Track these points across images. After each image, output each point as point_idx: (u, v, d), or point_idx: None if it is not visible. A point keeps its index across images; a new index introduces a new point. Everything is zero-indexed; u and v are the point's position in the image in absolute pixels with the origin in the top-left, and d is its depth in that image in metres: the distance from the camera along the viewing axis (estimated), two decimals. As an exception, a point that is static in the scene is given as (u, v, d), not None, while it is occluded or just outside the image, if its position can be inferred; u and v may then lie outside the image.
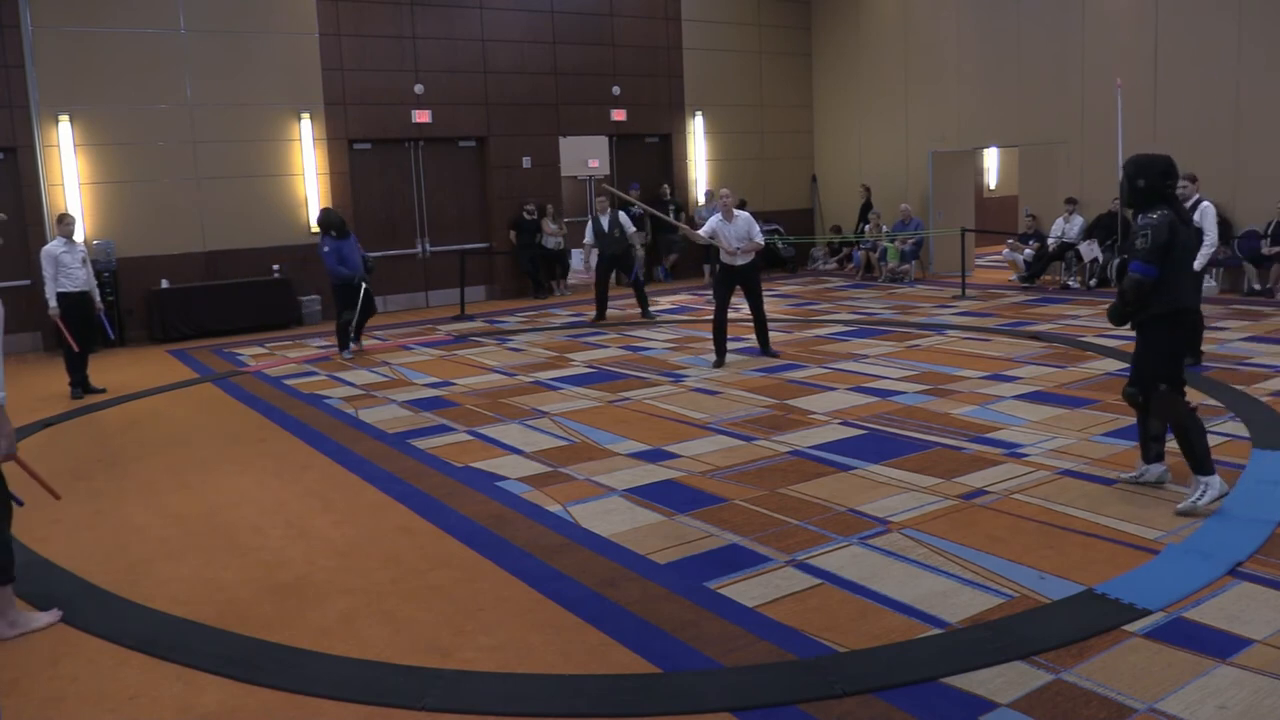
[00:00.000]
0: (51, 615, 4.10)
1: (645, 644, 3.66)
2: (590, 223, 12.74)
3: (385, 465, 6.28)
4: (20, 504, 4.11)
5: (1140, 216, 4.77)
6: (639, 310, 12.45)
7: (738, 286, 9.10)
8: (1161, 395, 4.81)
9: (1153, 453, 5.09)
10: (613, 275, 12.76)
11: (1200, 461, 4.69)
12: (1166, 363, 4.84)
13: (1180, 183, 7.84)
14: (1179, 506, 4.71)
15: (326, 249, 10.26)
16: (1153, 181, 4.77)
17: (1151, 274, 4.67)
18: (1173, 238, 4.67)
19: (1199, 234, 5.36)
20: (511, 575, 4.38)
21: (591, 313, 12.67)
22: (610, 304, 12.72)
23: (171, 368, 10.65)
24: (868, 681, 3.30)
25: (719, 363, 8.98)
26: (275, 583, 4.46)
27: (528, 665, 3.56)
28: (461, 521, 5.13)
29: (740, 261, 8.98)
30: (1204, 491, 4.66)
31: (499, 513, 5.22)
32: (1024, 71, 14.66)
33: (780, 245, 16.52)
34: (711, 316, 9.25)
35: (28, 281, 11.67)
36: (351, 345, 10.59)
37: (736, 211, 9.02)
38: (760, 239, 9.05)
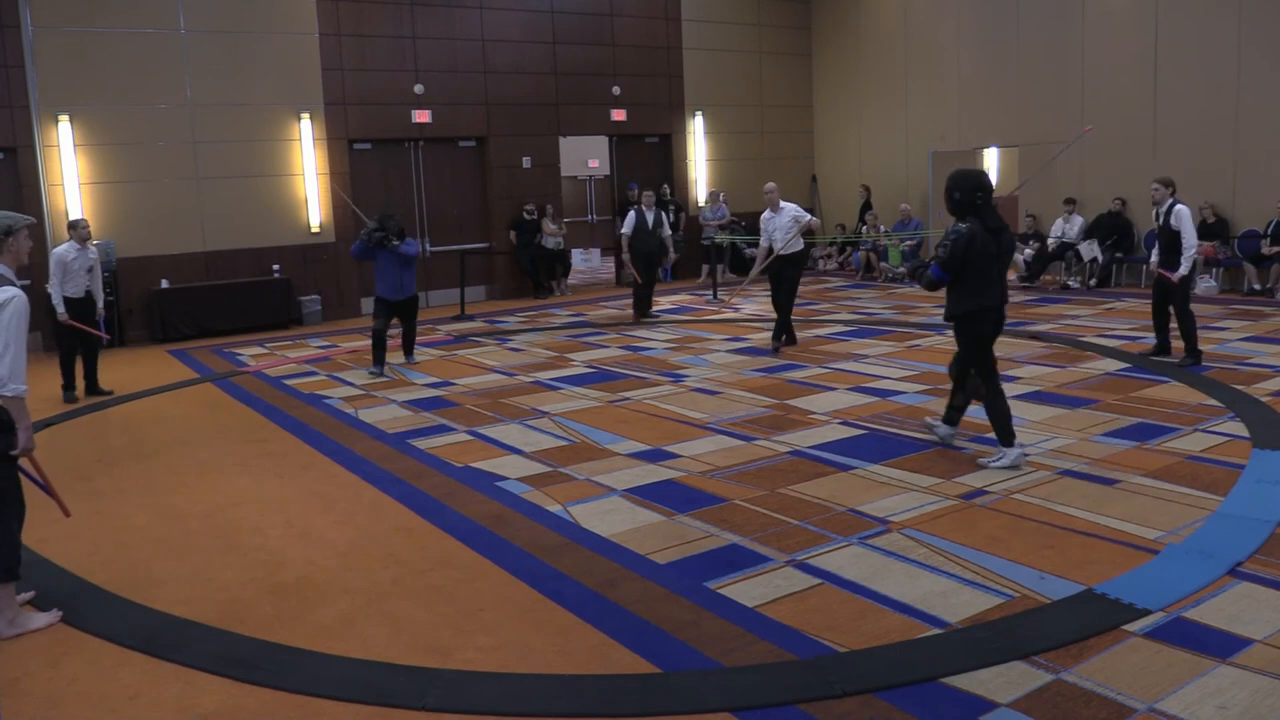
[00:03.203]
0: (51, 615, 4.10)
1: (645, 644, 3.66)
2: (634, 214, 12.11)
3: (385, 465, 6.28)
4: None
5: (952, 225, 5.53)
6: (635, 308, 12.29)
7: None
8: (972, 379, 5.72)
9: (950, 418, 5.99)
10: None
11: (1001, 434, 5.58)
12: (972, 352, 5.65)
13: (1153, 186, 8.19)
14: (978, 461, 5.63)
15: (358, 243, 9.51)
16: (966, 195, 5.47)
17: (945, 279, 5.51)
18: (971, 248, 5.39)
19: (1010, 242, 5.57)
20: (511, 575, 4.38)
21: (613, 310, 12.35)
22: (610, 304, 12.70)
23: (171, 368, 10.65)
24: (868, 681, 3.30)
25: (789, 343, 9.71)
26: (275, 583, 4.46)
27: (528, 665, 3.56)
28: (461, 521, 5.13)
29: (790, 251, 9.56)
30: (1002, 457, 5.54)
31: (499, 513, 5.22)
32: (1024, 71, 14.66)
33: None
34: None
35: (27, 282, 11.66)
36: (385, 366, 9.41)
37: (783, 204, 9.67)
38: (807, 216, 9.75)
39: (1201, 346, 8.20)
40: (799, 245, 9.67)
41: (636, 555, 4.51)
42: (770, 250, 9.68)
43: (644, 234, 12.10)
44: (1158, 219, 8.21)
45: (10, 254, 4.05)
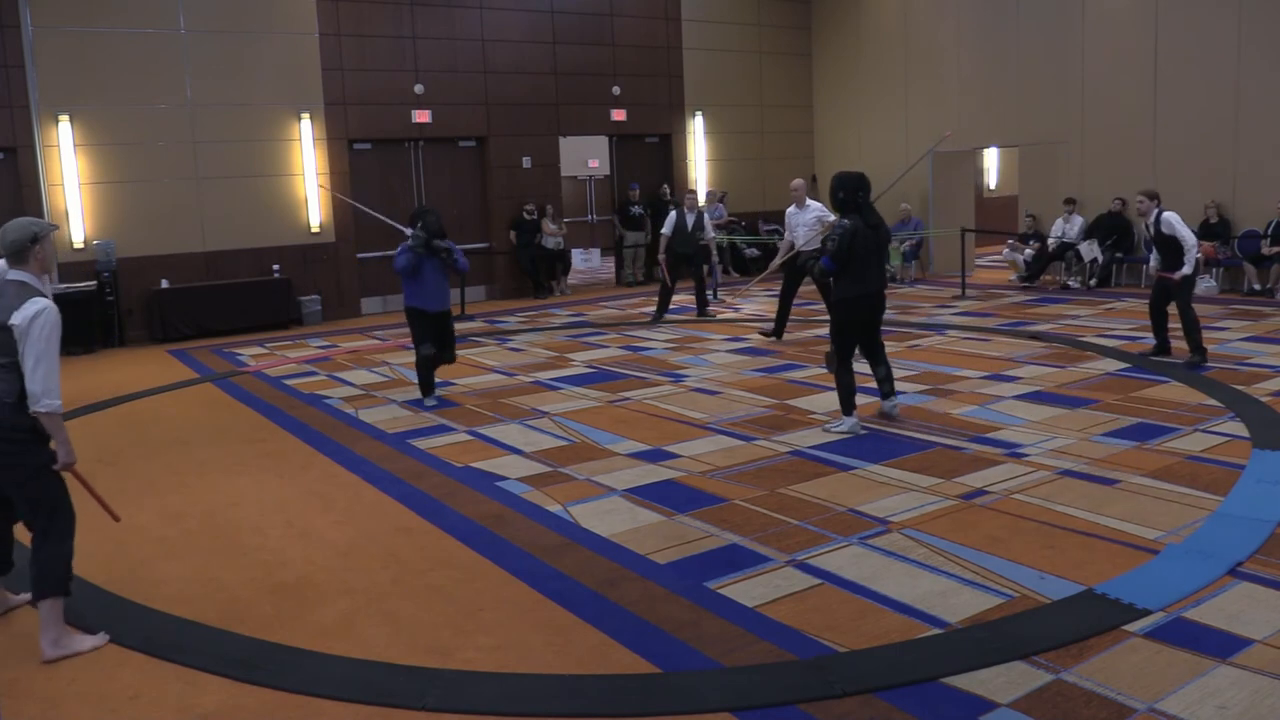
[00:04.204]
0: (99, 639, 3.92)
1: (645, 644, 3.66)
2: (674, 215, 11.85)
3: (385, 465, 6.28)
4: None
5: (837, 223, 6.28)
6: (696, 309, 12.22)
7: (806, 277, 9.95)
8: (828, 353, 6.54)
9: (885, 391, 6.61)
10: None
11: (842, 405, 6.43)
12: (838, 333, 6.44)
13: (1138, 199, 8.36)
14: (823, 427, 6.52)
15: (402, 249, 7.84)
16: (849, 194, 6.23)
17: (833, 269, 6.25)
18: (854, 241, 6.15)
19: (886, 235, 6.34)
20: (511, 575, 4.38)
21: (648, 308, 12.31)
22: (610, 304, 12.69)
23: (171, 368, 10.65)
24: (868, 681, 3.30)
25: (775, 336, 10.07)
26: (275, 583, 4.46)
27: (528, 665, 3.56)
28: (461, 521, 5.13)
29: (811, 248, 9.61)
30: (840, 424, 6.40)
31: (499, 513, 5.22)
32: (1024, 71, 14.66)
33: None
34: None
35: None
36: (437, 394, 8.12)
37: (809, 201, 9.85)
38: (833, 217, 9.61)
39: (1203, 343, 8.19)
40: (818, 243, 9.78)
41: (636, 555, 4.51)
42: (792, 245, 9.90)
43: (682, 235, 11.82)
44: (1148, 229, 8.37)
45: (37, 261, 3.94)
